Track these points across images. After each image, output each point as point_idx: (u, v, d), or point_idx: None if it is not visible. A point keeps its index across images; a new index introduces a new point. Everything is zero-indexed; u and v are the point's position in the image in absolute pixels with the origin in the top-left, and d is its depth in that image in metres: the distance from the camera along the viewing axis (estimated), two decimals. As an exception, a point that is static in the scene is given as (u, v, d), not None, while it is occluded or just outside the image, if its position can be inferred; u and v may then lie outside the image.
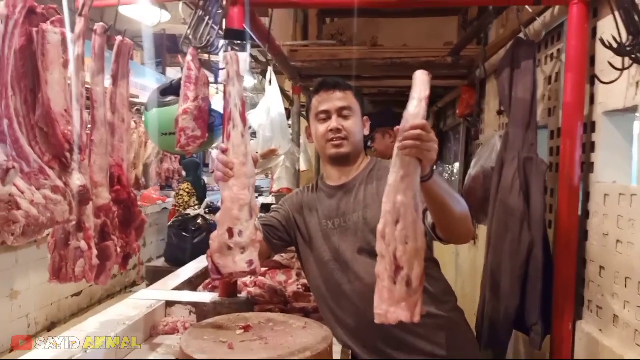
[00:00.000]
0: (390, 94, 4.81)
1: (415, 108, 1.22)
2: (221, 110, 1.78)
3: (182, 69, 1.89)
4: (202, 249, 1.55)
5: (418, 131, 1.19)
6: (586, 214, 1.89)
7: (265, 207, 3.30)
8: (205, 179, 6.95)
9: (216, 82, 1.66)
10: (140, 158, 7.18)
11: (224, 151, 1.38)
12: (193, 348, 1.30)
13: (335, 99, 1.73)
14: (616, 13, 1.61)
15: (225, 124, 1.40)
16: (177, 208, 6.07)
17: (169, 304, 1.92)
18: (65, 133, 1.18)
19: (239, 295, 1.93)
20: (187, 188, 6.16)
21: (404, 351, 1.64)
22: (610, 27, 1.67)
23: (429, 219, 1.50)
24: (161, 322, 1.83)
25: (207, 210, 4.33)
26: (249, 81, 4.45)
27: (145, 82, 7.39)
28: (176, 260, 3.89)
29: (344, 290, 1.69)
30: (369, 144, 3.49)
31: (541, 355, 2.06)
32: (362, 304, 1.64)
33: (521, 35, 2.18)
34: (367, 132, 1.84)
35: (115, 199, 1.58)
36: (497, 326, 2.09)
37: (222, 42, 1.75)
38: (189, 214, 4.34)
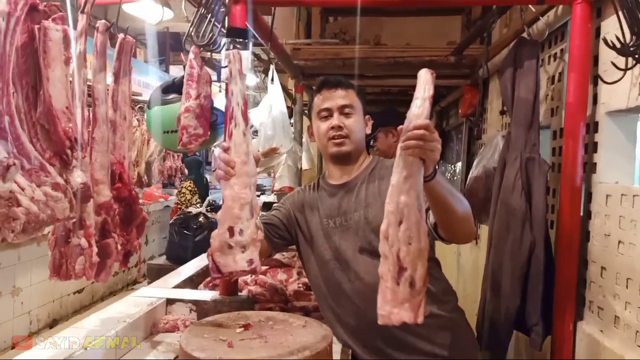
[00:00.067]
0: (393, 93, 4.81)
1: (419, 108, 1.21)
2: (223, 108, 1.78)
3: (184, 66, 1.89)
4: (203, 247, 1.55)
5: (421, 131, 1.18)
6: (588, 214, 1.88)
7: (267, 206, 3.30)
8: (208, 176, 6.96)
9: (219, 80, 1.66)
10: (143, 156, 7.19)
11: (226, 150, 1.38)
12: (193, 346, 1.30)
13: (337, 97, 1.73)
14: (620, 13, 1.60)
15: (227, 123, 1.39)
16: (179, 206, 6.08)
17: (170, 301, 1.92)
18: (67, 130, 1.18)
19: (239, 294, 1.93)
20: (190, 186, 6.17)
21: (404, 351, 1.63)
22: (613, 27, 1.66)
23: (431, 218, 1.50)
24: (162, 320, 1.83)
25: (208, 208, 4.33)
26: (252, 79, 4.44)
27: (148, 79, 7.41)
28: (177, 258, 3.89)
29: (344, 289, 1.69)
30: (372, 143, 3.49)
31: (542, 356, 2.06)
32: (362, 304, 1.64)
33: (524, 34, 2.17)
34: (368, 130, 1.84)
35: (116, 196, 1.58)
36: (498, 326, 2.09)
37: (224, 40, 1.75)
38: (191, 212, 4.34)
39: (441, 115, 5.35)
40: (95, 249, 1.37)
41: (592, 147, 1.87)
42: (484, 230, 2.79)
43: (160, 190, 7.61)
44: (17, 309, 4.50)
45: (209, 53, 1.88)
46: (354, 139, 1.73)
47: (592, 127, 1.88)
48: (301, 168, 3.69)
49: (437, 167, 1.31)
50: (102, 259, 1.44)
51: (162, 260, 4.61)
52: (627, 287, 1.62)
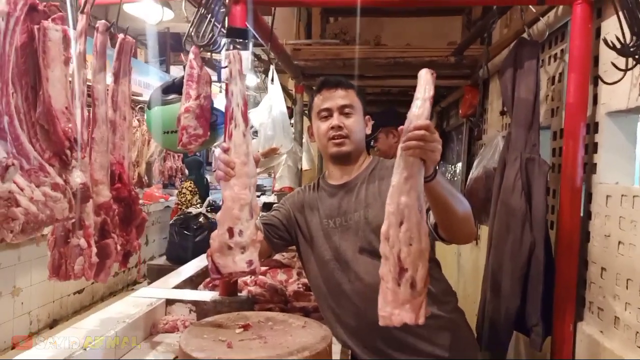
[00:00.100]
0: (394, 93, 4.80)
1: (419, 108, 1.21)
2: (223, 109, 1.78)
3: (184, 67, 1.89)
4: (203, 247, 1.55)
5: (422, 132, 1.18)
6: (588, 215, 1.88)
7: (268, 206, 3.30)
8: (208, 177, 6.97)
9: (219, 80, 1.66)
10: (143, 156, 7.19)
11: (226, 150, 1.38)
12: (192, 346, 1.30)
13: (337, 97, 1.73)
14: (620, 13, 1.60)
15: (227, 123, 1.39)
16: (179, 206, 6.08)
17: (170, 302, 1.92)
18: (66, 130, 1.18)
19: (239, 294, 1.93)
20: (190, 186, 6.18)
21: (404, 351, 1.63)
22: (614, 27, 1.66)
23: (431, 218, 1.50)
24: (161, 320, 1.83)
25: (208, 208, 4.33)
26: (252, 80, 4.44)
27: (148, 80, 7.41)
28: (178, 259, 3.89)
29: (344, 289, 1.68)
30: (372, 143, 3.49)
31: (541, 357, 2.06)
32: (362, 304, 1.64)
33: (524, 35, 2.17)
34: (368, 131, 1.84)
35: (116, 196, 1.58)
36: (498, 327, 2.09)
37: (224, 40, 1.74)
38: (191, 213, 4.34)
39: (441, 116, 5.35)
40: (94, 250, 1.37)
41: (592, 148, 1.87)
42: (484, 231, 2.79)
43: (160, 191, 7.61)
44: (17, 309, 4.50)
45: (209, 53, 1.88)
46: (354, 139, 1.73)
47: (592, 127, 1.88)
48: (301, 168, 3.69)
49: (437, 167, 1.31)
50: (102, 260, 1.44)
51: (162, 260, 4.61)
52: (627, 288, 1.61)
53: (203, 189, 6.33)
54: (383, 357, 1.64)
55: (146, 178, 7.41)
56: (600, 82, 1.78)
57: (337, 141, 1.72)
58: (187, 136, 1.73)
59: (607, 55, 1.73)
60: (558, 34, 2.19)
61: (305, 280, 2.15)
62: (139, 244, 1.68)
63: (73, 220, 1.24)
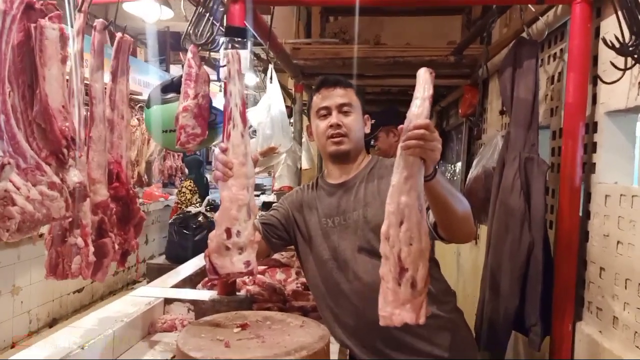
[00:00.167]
0: (393, 92, 4.80)
1: (419, 108, 1.21)
2: (222, 108, 1.78)
3: (183, 66, 1.88)
4: (202, 246, 1.55)
5: (422, 131, 1.18)
6: (587, 214, 1.88)
7: (267, 205, 3.29)
8: (208, 176, 6.96)
9: (218, 79, 1.65)
10: (143, 155, 7.19)
11: (224, 151, 1.37)
12: (190, 346, 1.30)
13: (336, 96, 1.73)
14: (619, 13, 1.60)
15: (226, 123, 1.39)
16: (179, 205, 6.08)
17: (168, 301, 1.92)
18: (63, 129, 1.18)
19: (237, 294, 1.92)
20: (190, 185, 6.18)
21: (402, 351, 1.63)
22: (613, 26, 1.66)
23: (431, 218, 1.49)
24: (159, 320, 1.83)
25: (208, 207, 4.33)
26: (252, 79, 4.44)
27: (148, 79, 7.40)
28: (177, 258, 3.89)
29: (343, 289, 1.68)
30: (372, 142, 3.49)
31: (540, 357, 2.06)
32: (360, 304, 1.64)
33: (524, 34, 2.16)
34: (367, 130, 1.84)
35: (113, 195, 1.58)
36: (497, 327, 2.08)
37: (222, 39, 1.74)
38: (190, 212, 4.34)
39: (441, 115, 5.35)
40: (91, 249, 1.36)
41: (591, 147, 1.87)
42: (483, 231, 2.78)
43: (160, 190, 7.61)
44: (16, 308, 4.50)
45: (207, 52, 1.87)
46: (352, 138, 1.73)
47: (592, 127, 1.88)
48: (301, 168, 3.69)
49: (437, 167, 1.31)
50: (99, 259, 1.44)
51: (161, 259, 4.61)
52: (625, 288, 1.61)
53: (203, 188, 6.33)
54: (381, 356, 1.64)
55: (146, 177, 7.41)
56: (599, 82, 1.78)
57: (335, 139, 1.72)
58: (185, 135, 1.72)
59: (606, 55, 1.72)
60: (557, 33, 2.19)
61: (304, 280, 2.14)
62: (136, 243, 1.68)
63: (70, 219, 1.24)
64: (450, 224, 1.48)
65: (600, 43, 1.71)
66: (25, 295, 4.58)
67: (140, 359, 1.59)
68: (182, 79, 1.79)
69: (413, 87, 1.24)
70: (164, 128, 2.01)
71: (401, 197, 1.20)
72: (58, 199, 1.11)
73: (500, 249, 2.06)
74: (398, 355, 1.63)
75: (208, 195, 5.75)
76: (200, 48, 1.80)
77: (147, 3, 3.47)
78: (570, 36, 1.87)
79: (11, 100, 1.13)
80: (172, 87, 2.03)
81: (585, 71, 1.84)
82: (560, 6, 2.01)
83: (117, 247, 1.55)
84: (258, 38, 2.37)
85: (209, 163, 8.77)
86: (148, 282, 2.78)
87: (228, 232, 1.35)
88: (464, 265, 4.03)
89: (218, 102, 1.97)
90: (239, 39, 1.73)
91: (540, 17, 2.12)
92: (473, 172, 2.55)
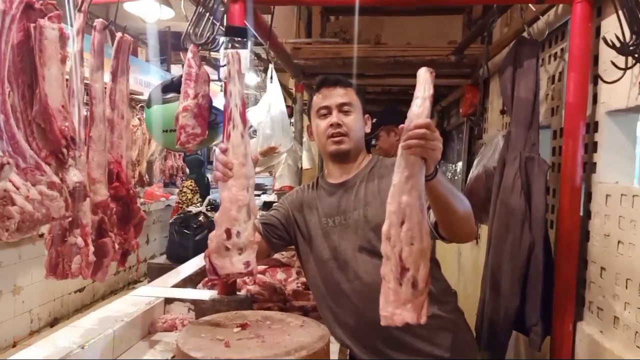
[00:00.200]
0: (394, 92, 4.80)
1: (419, 107, 1.21)
2: (223, 108, 1.78)
3: (183, 66, 1.88)
4: (203, 246, 1.55)
5: (422, 130, 1.18)
6: (588, 214, 1.88)
7: (268, 205, 3.29)
8: (209, 176, 6.97)
9: (219, 79, 1.65)
10: (144, 155, 7.19)
11: (224, 151, 1.37)
12: (190, 345, 1.30)
13: (336, 95, 1.73)
14: (620, 12, 1.59)
15: (225, 124, 1.39)
16: (180, 205, 6.09)
17: (168, 301, 1.92)
18: (62, 129, 1.18)
19: (238, 293, 1.92)
20: (191, 185, 6.18)
21: (402, 351, 1.63)
22: (614, 26, 1.66)
23: (431, 217, 1.49)
24: (160, 319, 1.83)
25: (208, 207, 4.33)
26: (253, 79, 4.44)
27: (149, 79, 7.40)
28: (177, 258, 3.89)
29: (343, 289, 1.68)
30: (374, 142, 3.49)
31: (541, 357, 2.05)
32: (361, 303, 1.63)
33: (524, 34, 2.16)
34: (368, 129, 1.83)
35: (114, 195, 1.58)
36: (497, 327, 2.08)
37: (222, 39, 1.74)
38: (191, 211, 4.35)
39: (442, 115, 5.34)
40: (91, 248, 1.36)
41: (592, 147, 1.87)
42: (484, 230, 2.78)
43: (161, 190, 7.62)
44: (17, 307, 4.51)
45: (207, 52, 1.87)
46: (352, 137, 1.73)
47: (592, 126, 1.87)
48: (302, 167, 3.69)
49: (438, 166, 1.31)
50: (99, 258, 1.44)
51: (162, 259, 4.62)
52: (626, 288, 1.61)
53: (204, 188, 6.34)
54: (382, 356, 1.64)
55: (147, 177, 7.42)
56: (600, 81, 1.78)
57: (336, 139, 1.72)
58: (185, 135, 1.72)
59: (607, 54, 1.72)
60: (558, 32, 2.18)
61: (305, 280, 2.14)
62: (137, 242, 1.68)
63: (70, 219, 1.24)
64: (451, 223, 1.47)
65: (601, 42, 1.70)
66: (26, 294, 4.58)
67: (141, 358, 1.59)
68: (182, 79, 1.79)
69: (414, 86, 1.24)
70: (165, 128, 2.01)
71: (402, 196, 1.20)
72: (57, 198, 1.11)
73: (501, 249, 2.05)
74: (398, 356, 1.63)
75: (209, 195, 5.75)
76: (200, 48, 1.80)
77: (147, 3, 3.48)
78: (571, 35, 1.86)
79: (11, 100, 1.13)
80: (172, 87, 2.03)
81: (586, 71, 1.84)
82: (560, 5, 2.01)
83: (117, 246, 1.55)
84: (258, 38, 2.37)
85: (210, 163, 8.77)
86: (149, 282, 2.79)
87: (228, 232, 1.35)
88: (465, 265, 4.03)
89: (219, 102, 1.97)
90: (239, 39, 1.73)
91: (540, 17, 2.12)
92: (474, 172, 2.55)
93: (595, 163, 1.84)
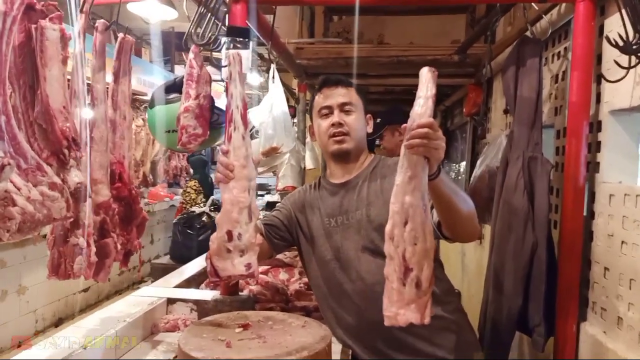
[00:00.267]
0: (398, 92, 4.79)
1: (422, 107, 1.21)
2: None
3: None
4: (207, 246, 1.56)
5: (425, 130, 1.18)
6: (591, 214, 1.87)
7: (271, 205, 3.30)
8: (213, 176, 6.96)
9: (222, 79, 1.66)
10: (148, 155, 7.21)
11: (225, 153, 1.38)
12: (191, 346, 1.30)
13: (338, 95, 1.73)
14: (623, 11, 1.58)
15: (227, 125, 1.39)
16: (184, 205, 6.09)
17: (171, 301, 1.93)
18: (64, 130, 1.18)
19: (240, 294, 1.92)
20: (194, 185, 6.19)
21: (404, 352, 1.62)
22: (617, 25, 1.65)
23: (435, 217, 1.49)
24: (162, 320, 1.83)
25: (212, 207, 4.34)
26: (256, 79, 4.44)
27: (153, 79, 7.42)
28: (181, 258, 3.90)
29: (345, 289, 1.68)
30: (378, 142, 3.48)
31: (544, 357, 2.04)
32: (363, 303, 1.63)
33: (527, 33, 2.15)
34: (370, 129, 1.83)
35: (116, 196, 1.58)
36: (500, 327, 2.07)
37: (224, 39, 1.74)
38: (194, 212, 4.36)
39: (445, 115, 5.34)
40: (93, 249, 1.37)
41: (595, 147, 1.86)
42: (488, 230, 2.77)
43: (165, 190, 7.64)
44: (22, 307, 4.53)
45: (209, 52, 1.87)
46: (354, 137, 1.73)
47: (596, 126, 1.86)
48: (305, 167, 3.68)
49: (441, 166, 1.31)
50: (101, 259, 1.44)
51: (166, 259, 4.63)
52: (630, 288, 1.60)
53: (208, 188, 6.34)
54: (383, 357, 1.63)
55: (151, 177, 7.43)
56: (603, 81, 1.77)
57: (337, 138, 1.72)
58: (186, 135, 1.73)
59: (610, 53, 1.71)
60: (561, 31, 2.17)
61: (307, 280, 2.14)
62: (139, 243, 1.68)
63: (71, 219, 1.24)
64: (454, 223, 1.47)
65: (604, 41, 1.69)
66: (31, 295, 4.60)
67: (143, 359, 1.60)
68: (184, 80, 1.79)
69: (417, 86, 1.24)
70: (167, 128, 2.00)
71: (405, 196, 1.20)
72: (59, 199, 1.11)
73: (504, 249, 2.05)
74: (400, 356, 1.63)
75: (213, 195, 5.76)
76: (202, 48, 1.80)
77: (150, 4, 3.48)
78: (574, 34, 1.85)
79: (12, 101, 1.13)
80: (174, 88, 2.03)
81: (589, 70, 1.83)
82: (563, 4, 2.00)
83: (119, 247, 1.55)
84: (261, 38, 2.37)
85: (214, 163, 8.79)
86: (153, 282, 2.80)
87: (229, 234, 1.36)
88: (469, 265, 4.02)
89: (222, 102, 1.97)
90: (241, 39, 1.73)
91: (543, 16, 2.11)
92: (477, 172, 2.54)
93: (598, 163, 1.83)
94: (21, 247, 4.38)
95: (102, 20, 1.54)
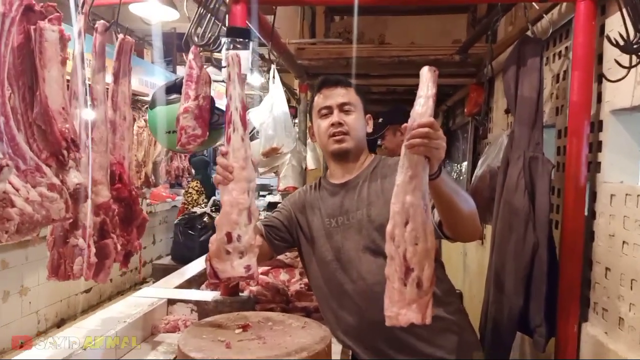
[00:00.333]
0: (399, 92, 4.78)
1: (422, 106, 1.21)
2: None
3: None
4: (208, 247, 1.56)
5: (425, 129, 1.18)
6: (592, 214, 1.86)
7: (273, 206, 3.29)
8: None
9: (224, 80, 1.67)
10: (150, 156, 7.21)
11: (224, 154, 1.38)
12: (191, 347, 1.30)
13: (337, 95, 1.74)
14: (624, 10, 1.58)
15: (226, 127, 1.39)
16: (186, 206, 6.11)
17: (171, 302, 1.93)
18: (63, 131, 1.18)
19: (240, 294, 1.92)
20: (196, 186, 6.20)
21: (405, 353, 1.62)
22: (618, 24, 1.64)
23: (436, 216, 1.49)
24: (162, 320, 1.84)
25: (213, 208, 4.34)
26: (257, 79, 4.43)
27: (155, 80, 7.42)
28: (182, 258, 3.90)
29: (346, 289, 1.67)
30: (379, 142, 3.48)
31: (546, 358, 2.04)
32: (364, 304, 1.63)
33: (528, 32, 2.15)
34: (370, 129, 1.83)
35: (116, 196, 1.58)
36: (501, 327, 2.07)
37: (224, 39, 1.74)
38: (196, 212, 4.36)
39: (447, 115, 5.33)
40: (93, 250, 1.37)
41: (596, 146, 1.85)
42: (489, 231, 2.77)
43: (167, 191, 7.65)
44: (25, 308, 4.54)
45: (209, 53, 1.87)
46: (354, 136, 1.73)
47: (597, 125, 1.86)
48: (306, 168, 3.68)
49: (442, 165, 1.31)
50: (101, 260, 1.44)
51: (167, 260, 4.63)
52: (631, 289, 1.59)
53: (209, 189, 6.35)
54: (384, 357, 1.63)
55: (153, 178, 7.44)
56: (604, 80, 1.76)
57: (337, 138, 1.72)
58: (185, 136, 1.73)
59: (611, 53, 1.70)
60: (562, 31, 2.17)
61: (308, 280, 2.14)
62: (139, 244, 1.68)
63: (70, 220, 1.24)
64: (455, 222, 1.47)
65: (605, 41, 1.69)
66: (33, 295, 4.61)
67: (143, 359, 1.60)
68: (183, 80, 1.79)
69: (418, 86, 1.24)
70: (168, 129, 2.00)
71: (406, 196, 1.20)
72: (58, 200, 1.11)
73: (505, 249, 2.04)
74: (401, 357, 1.62)
75: (214, 195, 5.77)
76: (202, 49, 1.80)
77: (152, 4, 3.48)
78: (575, 34, 1.85)
79: (11, 102, 1.13)
80: (175, 88, 2.03)
81: (590, 69, 1.82)
82: (564, 4, 1.99)
83: (119, 248, 1.56)
84: (261, 38, 2.36)
85: (216, 164, 8.80)
86: (154, 283, 2.80)
87: (229, 236, 1.36)
88: (470, 265, 4.01)
89: (224, 102, 1.97)
90: (241, 40, 1.73)
91: (544, 15, 2.11)
92: (478, 172, 2.54)
93: (599, 162, 1.82)
94: (23, 248, 4.39)
95: (101, 21, 1.54)
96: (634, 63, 1.55)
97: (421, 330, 1.54)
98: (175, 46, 8.78)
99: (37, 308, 4.70)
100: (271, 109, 2.86)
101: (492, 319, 2.11)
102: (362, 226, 1.67)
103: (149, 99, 6.64)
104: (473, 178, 2.64)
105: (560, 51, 2.21)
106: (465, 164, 4.23)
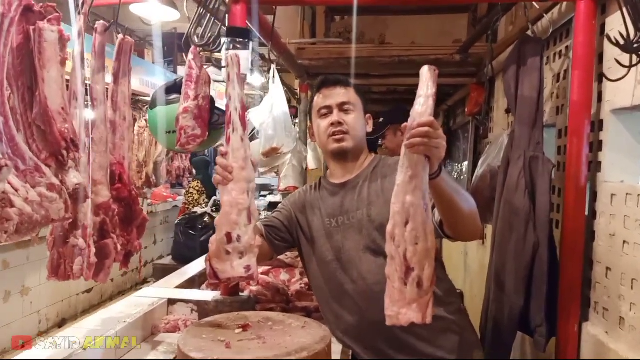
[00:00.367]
0: (400, 92, 4.78)
1: (422, 106, 1.21)
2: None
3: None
4: (208, 247, 1.57)
5: (425, 128, 1.18)
6: (593, 214, 1.86)
7: (273, 205, 3.29)
8: (215, 177, 6.96)
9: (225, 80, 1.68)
10: (151, 156, 7.20)
11: (224, 155, 1.38)
12: (190, 347, 1.30)
13: (337, 95, 1.74)
14: (624, 9, 1.57)
15: (226, 127, 1.39)
16: (187, 206, 6.11)
17: (171, 302, 1.93)
18: (62, 131, 1.18)
19: (241, 294, 1.92)
20: (197, 186, 6.20)
21: (405, 353, 1.62)
22: (618, 23, 1.64)
23: (436, 216, 1.49)
24: (163, 320, 1.84)
25: (214, 208, 4.34)
26: (257, 79, 4.44)
27: (156, 80, 7.42)
28: (183, 258, 3.91)
29: (347, 289, 1.67)
30: (380, 141, 3.48)
31: (546, 357, 2.03)
32: (364, 304, 1.63)
33: (528, 32, 2.14)
34: (369, 129, 1.83)
35: (116, 197, 1.58)
36: (501, 327, 2.07)
37: (224, 40, 1.74)
38: (196, 212, 4.36)
39: (448, 114, 5.32)
40: (93, 250, 1.37)
41: (597, 146, 1.85)
42: (490, 230, 2.77)
43: (168, 191, 7.65)
44: (26, 308, 4.54)
45: (208, 53, 1.87)
46: (354, 136, 1.73)
47: (597, 125, 1.85)
48: (307, 168, 3.68)
49: (442, 165, 1.30)
50: (101, 260, 1.44)
51: (168, 260, 4.64)
52: (632, 288, 1.59)
53: (210, 189, 6.35)
54: (385, 357, 1.63)
55: (154, 178, 7.43)
56: (604, 79, 1.76)
57: (337, 137, 1.72)
58: (185, 136, 1.73)
59: (611, 52, 1.70)
60: (563, 30, 2.16)
61: (308, 280, 2.14)
62: (139, 244, 1.68)
63: (70, 220, 1.24)
64: (455, 222, 1.47)
65: (605, 40, 1.68)
66: (34, 295, 4.61)
67: (143, 359, 1.60)
68: (183, 80, 1.79)
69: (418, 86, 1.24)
70: (168, 129, 2.00)
71: (406, 196, 1.20)
72: (57, 200, 1.11)
73: (505, 249, 2.04)
74: (401, 357, 1.62)
75: (215, 195, 5.77)
76: (201, 49, 1.80)
77: (152, 5, 3.48)
78: (575, 33, 1.85)
79: (11, 103, 1.13)
80: (175, 88, 2.03)
81: (590, 69, 1.82)
82: (564, 3, 1.99)
83: (119, 248, 1.56)
84: (261, 38, 2.36)
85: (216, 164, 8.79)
86: (155, 283, 2.80)
87: (228, 236, 1.36)
88: (471, 265, 4.01)
89: (224, 102, 1.97)
90: (241, 40, 1.73)
91: (545, 15, 2.10)
92: (479, 171, 2.53)
93: (600, 162, 1.82)
94: (24, 249, 4.39)
95: (101, 22, 1.54)
96: (634, 62, 1.55)
97: (421, 330, 1.54)
98: (175, 46, 8.78)
99: (39, 308, 4.70)
100: (271, 109, 2.87)
101: (493, 318, 2.11)
102: (362, 226, 1.67)
103: (149, 99, 6.65)
104: (474, 178, 2.64)
105: (561, 50, 2.21)
106: (465, 163, 4.22)
